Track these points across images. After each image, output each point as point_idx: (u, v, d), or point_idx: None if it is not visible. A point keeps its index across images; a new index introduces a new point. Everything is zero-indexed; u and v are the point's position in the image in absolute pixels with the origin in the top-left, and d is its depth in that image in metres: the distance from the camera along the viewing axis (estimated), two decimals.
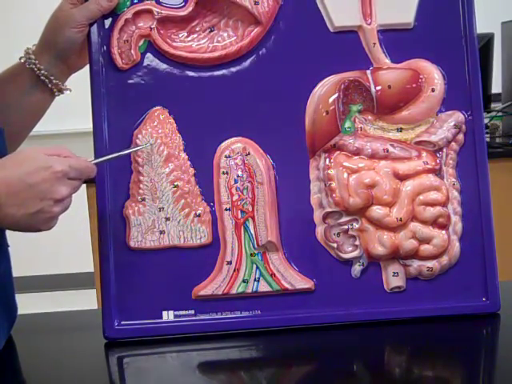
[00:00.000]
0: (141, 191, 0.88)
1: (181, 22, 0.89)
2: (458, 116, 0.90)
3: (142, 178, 0.88)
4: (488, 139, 2.29)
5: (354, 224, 0.89)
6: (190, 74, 0.89)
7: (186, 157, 0.89)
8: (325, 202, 0.89)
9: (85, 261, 2.38)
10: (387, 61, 0.90)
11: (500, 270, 0.90)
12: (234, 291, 0.88)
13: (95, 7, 0.86)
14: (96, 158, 0.83)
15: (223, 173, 0.88)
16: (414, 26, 0.91)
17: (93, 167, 0.79)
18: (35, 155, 0.75)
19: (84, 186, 2.28)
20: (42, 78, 0.89)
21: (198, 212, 0.88)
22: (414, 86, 0.90)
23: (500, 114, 2.37)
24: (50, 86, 0.90)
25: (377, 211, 0.88)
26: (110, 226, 0.87)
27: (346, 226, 0.89)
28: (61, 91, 0.92)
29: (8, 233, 0.86)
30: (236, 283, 0.88)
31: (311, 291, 0.89)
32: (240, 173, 0.89)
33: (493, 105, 2.48)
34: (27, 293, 3.28)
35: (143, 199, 0.88)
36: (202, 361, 0.85)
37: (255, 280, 0.88)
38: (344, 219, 0.89)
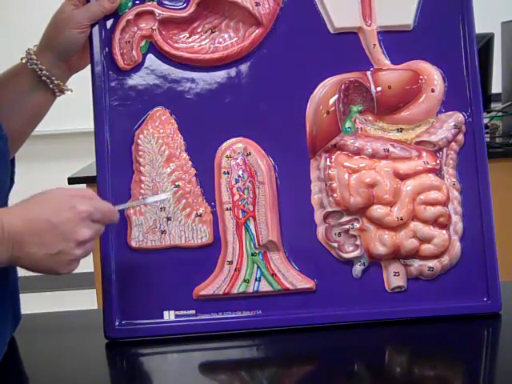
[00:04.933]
0: (142, 191, 0.88)
1: (182, 23, 0.89)
2: (457, 116, 0.91)
3: (143, 177, 0.88)
4: (488, 139, 2.29)
5: (355, 224, 0.89)
6: (192, 74, 0.89)
7: (188, 157, 0.89)
8: (325, 201, 0.89)
9: (85, 261, 2.37)
10: (387, 62, 0.91)
11: (501, 269, 0.90)
12: (235, 291, 0.88)
13: (97, 8, 0.86)
14: (119, 204, 0.82)
15: (224, 173, 0.89)
16: (414, 28, 0.91)
17: (116, 212, 0.78)
18: (60, 195, 0.74)
19: (84, 186, 2.28)
20: (44, 78, 0.89)
21: (199, 212, 0.88)
22: (413, 86, 0.90)
23: (500, 114, 2.37)
24: (51, 86, 0.90)
25: (377, 211, 0.88)
26: (111, 226, 0.87)
27: (346, 226, 0.89)
28: (62, 92, 0.92)
29: None
30: (237, 283, 0.88)
31: (312, 291, 0.89)
32: (241, 173, 0.89)
33: (493, 105, 2.48)
34: (27, 293, 3.28)
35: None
36: (203, 361, 0.86)
37: (256, 280, 0.88)
38: (345, 219, 0.89)
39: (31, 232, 0.71)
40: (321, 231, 0.89)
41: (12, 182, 0.94)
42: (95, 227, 0.75)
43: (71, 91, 0.93)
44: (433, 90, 0.90)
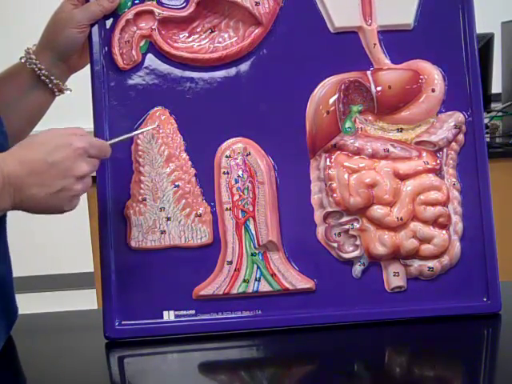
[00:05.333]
0: (142, 191, 0.88)
1: (182, 23, 0.89)
2: (458, 116, 0.90)
3: (142, 178, 0.88)
4: (488, 139, 2.29)
5: (355, 224, 0.89)
6: (191, 74, 0.89)
7: (187, 157, 0.89)
8: (325, 201, 0.89)
9: (85, 261, 2.38)
10: (387, 61, 0.91)
11: (501, 269, 0.90)
12: (234, 291, 0.88)
13: (97, 8, 0.86)
14: (110, 139, 0.83)
15: (224, 173, 0.89)
16: (414, 27, 0.91)
17: (109, 147, 0.80)
18: (54, 135, 0.75)
19: None
20: (43, 77, 0.89)
21: (199, 212, 0.88)
22: (414, 86, 0.90)
23: (500, 114, 2.37)
24: (50, 85, 0.90)
25: (377, 211, 0.88)
26: (110, 226, 0.87)
27: (346, 226, 0.89)
28: (61, 91, 0.92)
29: (8, 232, 0.86)
30: (237, 283, 0.88)
31: (312, 291, 0.89)
32: (241, 173, 0.89)
33: (493, 105, 2.48)
34: (27, 293, 3.28)
35: (144, 199, 0.88)
36: (203, 361, 0.85)
37: (256, 280, 0.88)
38: (345, 219, 0.89)
39: (30, 173, 0.72)
40: (320, 231, 0.89)
41: None
42: (92, 162, 0.77)
43: (70, 91, 0.93)
44: (433, 90, 0.90)
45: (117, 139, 0.84)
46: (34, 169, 0.72)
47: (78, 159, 0.75)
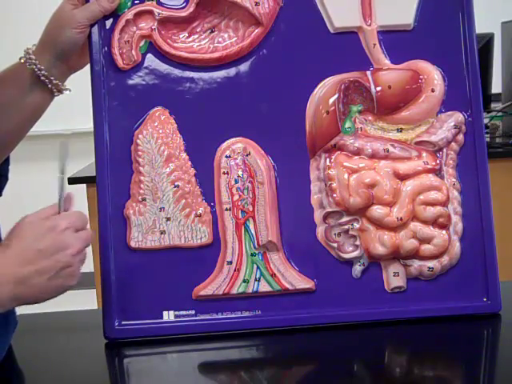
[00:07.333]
0: (141, 191, 0.88)
1: (182, 23, 0.89)
2: (457, 116, 0.90)
3: (142, 178, 0.88)
4: (488, 139, 2.29)
5: (355, 224, 0.89)
6: (191, 74, 0.89)
7: (187, 157, 0.89)
8: (325, 201, 0.89)
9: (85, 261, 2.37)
10: (387, 61, 0.91)
11: (500, 270, 0.90)
12: (234, 291, 0.88)
13: (96, 8, 0.86)
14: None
15: (224, 173, 0.89)
16: (414, 27, 0.91)
17: (85, 215, 0.78)
18: (33, 221, 0.74)
19: (84, 186, 2.27)
20: (42, 78, 0.89)
21: (199, 212, 0.88)
22: (413, 86, 0.90)
23: (500, 114, 2.37)
24: (49, 86, 0.90)
25: (377, 211, 0.88)
26: (110, 226, 0.87)
27: (346, 226, 0.89)
28: (60, 91, 0.92)
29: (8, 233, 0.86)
30: (236, 283, 0.88)
31: (312, 291, 0.89)
32: (240, 173, 0.89)
33: (493, 105, 2.48)
34: None
35: (144, 199, 0.88)
36: (203, 361, 0.85)
37: (256, 280, 0.88)
38: (344, 219, 0.89)
39: (24, 264, 0.71)
40: (320, 231, 0.89)
41: (6, 179, 0.94)
42: (81, 235, 0.76)
43: (69, 91, 0.93)
44: (433, 90, 0.90)
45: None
46: (27, 260, 0.72)
47: (66, 238, 0.74)
